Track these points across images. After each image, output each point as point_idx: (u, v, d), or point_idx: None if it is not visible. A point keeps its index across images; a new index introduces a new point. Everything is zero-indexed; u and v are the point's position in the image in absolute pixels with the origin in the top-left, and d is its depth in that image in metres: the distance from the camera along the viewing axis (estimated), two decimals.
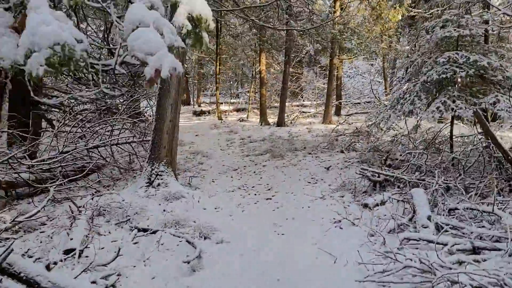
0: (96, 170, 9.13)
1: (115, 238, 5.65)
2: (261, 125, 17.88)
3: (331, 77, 16.09)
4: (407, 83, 9.49)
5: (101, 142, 9.60)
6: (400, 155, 10.34)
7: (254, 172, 10.31)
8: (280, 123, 16.51)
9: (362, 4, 14.84)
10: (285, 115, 19.34)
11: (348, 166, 9.74)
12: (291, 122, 17.35)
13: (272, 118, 20.52)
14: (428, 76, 8.08)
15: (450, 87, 8.18)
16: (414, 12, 14.17)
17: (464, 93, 8.01)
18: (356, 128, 13.70)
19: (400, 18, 15.83)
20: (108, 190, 8.09)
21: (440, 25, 8.65)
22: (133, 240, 5.58)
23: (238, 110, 24.00)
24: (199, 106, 27.03)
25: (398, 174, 7.51)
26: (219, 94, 28.52)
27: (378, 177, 7.65)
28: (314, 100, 24.56)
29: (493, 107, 7.61)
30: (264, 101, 17.83)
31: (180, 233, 5.66)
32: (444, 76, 7.79)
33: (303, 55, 27.80)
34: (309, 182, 8.89)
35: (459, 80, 8.02)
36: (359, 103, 23.67)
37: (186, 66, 27.64)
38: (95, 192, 7.57)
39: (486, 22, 8.85)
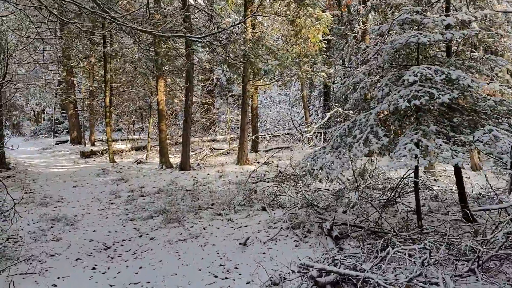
0: None
1: None
2: (161, 168, 14.24)
3: (244, 107, 13.15)
4: (354, 114, 6.70)
5: None
6: (344, 211, 7.44)
7: (135, 254, 6.67)
8: (184, 166, 13.05)
9: (278, 19, 12.22)
10: (193, 153, 15.95)
11: (276, 238, 6.55)
12: (198, 164, 13.94)
13: (178, 158, 16.99)
14: (390, 103, 5.26)
15: (421, 118, 5.45)
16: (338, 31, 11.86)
17: (443, 126, 5.32)
18: (280, 172, 10.70)
19: (320, 38, 13.53)
20: None
21: (395, 30, 6.00)
22: None
23: (138, 149, 20.07)
24: (93, 145, 22.56)
25: (363, 271, 4.43)
26: (115, 130, 24.33)
27: (328, 274, 4.50)
28: (228, 134, 21.52)
29: (488, 146, 4.94)
30: (164, 138, 14.29)
31: None
32: (416, 102, 5.00)
33: (213, 84, 24.90)
34: (216, 276, 5.49)
35: (435, 107, 5.33)
36: (277, 135, 21.09)
37: (74, 98, 23.18)
38: None
39: (448, 26, 6.41)
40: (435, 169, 11.72)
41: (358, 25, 13.94)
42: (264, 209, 8.06)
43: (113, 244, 7.20)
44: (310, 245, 6.10)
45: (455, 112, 5.47)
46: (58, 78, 24.96)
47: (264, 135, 19.49)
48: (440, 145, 4.90)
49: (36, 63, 18.91)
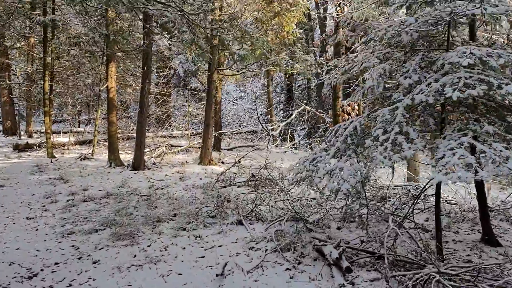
0: None
1: None
2: (109, 166, 12.27)
3: (210, 99, 11.51)
4: (368, 108, 5.35)
5: None
6: (338, 227, 6.12)
7: (70, 286, 4.92)
8: (138, 164, 11.19)
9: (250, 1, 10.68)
10: (147, 150, 14.07)
11: (261, 265, 5.04)
12: (154, 163, 12.11)
13: (130, 154, 15.04)
14: (429, 93, 3.92)
15: (469, 114, 4.16)
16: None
17: (495, 125, 4.05)
18: (253, 175, 9.22)
19: (294, 27, 12.15)
20: None
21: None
22: None
23: (82, 143, 17.77)
24: (30, 136, 19.90)
25: None
26: (57, 121, 21.71)
27: None
28: (187, 130, 19.73)
29: None
30: (114, 131, 12.34)
31: None
32: (472, 92, 3.68)
33: (170, 74, 22.95)
34: None
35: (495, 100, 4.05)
36: (239, 133, 19.58)
37: (8, 82, 20.33)
38: None
39: None
40: (418, 176, 10.73)
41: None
42: (240, 222, 6.53)
43: (42, 270, 5.38)
44: (309, 277, 4.66)
45: (505, 109, 4.26)
46: None
47: (226, 132, 17.90)
48: (501, 151, 3.62)
49: None
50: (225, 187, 9.01)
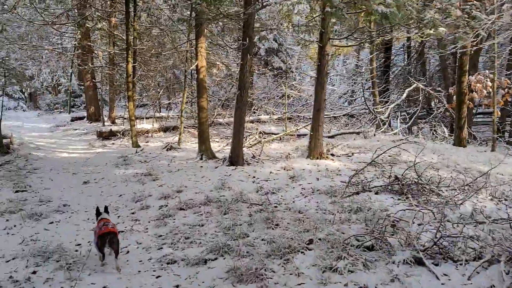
0: None
1: None
2: (200, 159, 10.59)
3: (321, 78, 9.25)
4: None
5: None
6: None
7: None
8: (236, 159, 9.31)
9: None
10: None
11: None
12: (253, 156, 10.17)
13: (217, 143, 13.37)
14: None
15: None
16: None
17: None
18: (396, 178, 6.89)
19: None
20: None
21: None
22: None
23: (166, 130, 16.50)
24: (113, 122, 19.15)
25: None
26: (138, 106, 20.70)
27: None
28: (274, 114, 17.73)
29: None
30: (205, 118, 10.60)
31: None
32: None
33: (254, 51, 20.98)
34: None
35: None
36: (335, 117, 17.12)
37: (91, 66, 19.61)
38: None
39: None
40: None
41: None
42: (419, 261, 4.28)
43: None
44: None
45: None
46: (74, 43, 21.44)
47: (328, 116, 15.57)
48: None
49: (45, 23, 15.34)
50: (357, 193, 6.78)
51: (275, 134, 13.57)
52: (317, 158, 9.47)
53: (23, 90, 29.44)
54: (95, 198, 7.91)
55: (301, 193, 7.19)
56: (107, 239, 4.60)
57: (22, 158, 12.00)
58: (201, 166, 9.87)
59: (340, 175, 8.24)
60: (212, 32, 14.30)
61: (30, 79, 27.70)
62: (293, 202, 6.71)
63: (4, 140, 12.85)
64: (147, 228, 6.10)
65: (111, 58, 18.46)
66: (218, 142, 13.76)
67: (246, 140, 12.64)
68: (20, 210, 7.06)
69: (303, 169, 8.80)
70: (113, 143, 14.75)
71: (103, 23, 16.40)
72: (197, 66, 10.39)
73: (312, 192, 7.10)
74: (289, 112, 16.52)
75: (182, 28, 14.82)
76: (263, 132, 13.57)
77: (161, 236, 5.74)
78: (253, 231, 5.53)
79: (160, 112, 20.00)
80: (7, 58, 12.73)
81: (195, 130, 15.39)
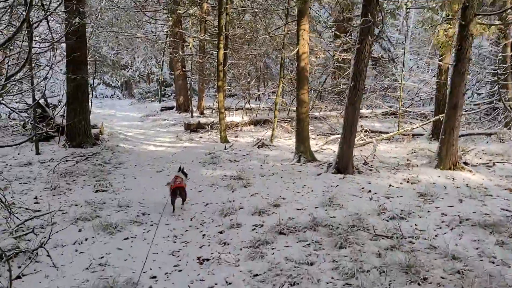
0: None
1: None
2: (298, 161, 9.02)
3: (462, 64, 7.10)
4: None
5: None
6: None
7: None
8: (345, 165, 7.55)
9: None
10: (336, 136, 10.42)
11: None
12: (365, 163, 8.31)
13: (313, 140, 11.70)
14: None
15: None
16: None
17: None
18: None
19: None
20: None
21: None
22: None
23: (256, 123, 15.22)
24: (201, 113, 18.40)
25: None
26: (227, 96, 19.70)
27: None
28: (379, 108, 15.59)
29: None
30: (305, 114, 8.99)
31: None
32: None
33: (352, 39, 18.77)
34: None
35: None
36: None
37: (181, 54, 18.97)
38: None
39: None
40: None
41: None
42: None
43: None
44: None
45: None
46: (166, 31, 21.05)
47: (408, 111, 13.03)
48: None
49: (138, 8, 14.79)
50: None
51: (382, 132, 11.53)
52: (449, 169, 7.38)
53: (117, 79, 30.28)
54: (176, 214, 6.72)
55: (442, 221, 5.27)
56: (177, 192, 6.20)
57: (109, 150, 11.45)
58: (300, 171, 8.30)
59: (491, 195, 6.13)
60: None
61: (124, 68, 28.30)
62: (436, 236, 4.84)
63: (94, 130, 12.48)
64: (238, 260, 4.68)
65: (202, 46, 17.63)
66: (314, 139, 12.10)
67: None
68: (96, 217, 6.12)
69: (433, 183, 6.80)
70: (200, 137, 13.81)
71: (195, 8, 15.50)
72: (297, 52, 8.79)
73: (460, 222, 5.15)
74: (395, 106, 14.23)
75: (277, 11, 13.32)
76: (369, 130, 11.59)
77: (257, 275, 4.28)
78: (389, 285, 3.82)
79: (250, 103, 18.89)
80: (98, 46, 12.24)
81: (288, 125, 13.90)
